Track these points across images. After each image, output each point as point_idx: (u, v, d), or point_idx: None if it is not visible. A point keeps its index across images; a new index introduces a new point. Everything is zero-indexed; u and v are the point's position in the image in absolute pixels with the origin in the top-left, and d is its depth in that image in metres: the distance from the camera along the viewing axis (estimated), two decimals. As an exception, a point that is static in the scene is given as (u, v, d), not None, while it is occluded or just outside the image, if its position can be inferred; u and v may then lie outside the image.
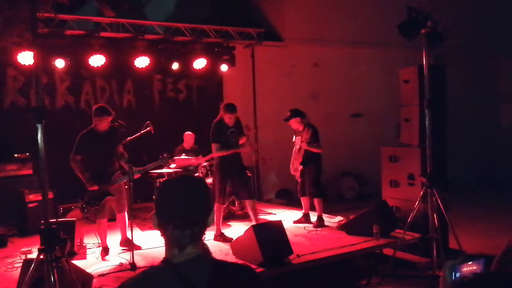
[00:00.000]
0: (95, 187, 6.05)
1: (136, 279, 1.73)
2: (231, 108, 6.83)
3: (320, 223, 7.49)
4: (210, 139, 6.81)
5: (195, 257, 1.72)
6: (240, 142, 6.91)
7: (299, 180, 7.60)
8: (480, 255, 1.99)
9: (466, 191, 10.77)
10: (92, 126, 6.22)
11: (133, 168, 5.92)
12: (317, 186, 7.51)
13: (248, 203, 7.04)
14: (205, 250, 5.32)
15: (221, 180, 6.78)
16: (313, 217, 7.69)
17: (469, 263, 1.71)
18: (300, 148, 7.43)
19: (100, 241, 6.35)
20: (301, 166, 7.44)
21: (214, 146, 6.78)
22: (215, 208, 6.88)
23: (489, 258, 1.78)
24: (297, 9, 11.74)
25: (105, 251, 6.19)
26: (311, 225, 7.47)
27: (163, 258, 1.74)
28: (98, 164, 6.15)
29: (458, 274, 1.69)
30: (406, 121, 7.08)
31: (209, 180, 8.30)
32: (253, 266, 5.31)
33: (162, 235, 1.76)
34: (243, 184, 6.95)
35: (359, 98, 12.54)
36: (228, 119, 6.80)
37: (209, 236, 6.68)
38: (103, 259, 6.03)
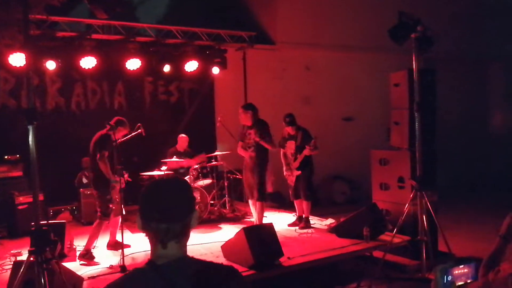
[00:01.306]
0: (123, 182, 6.14)
1: (120, 280, 1.75)
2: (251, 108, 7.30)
3: (307, 224, 7.56)
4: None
5: (179, 258, 1.75)
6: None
7: (292, 185, 7.63)
8: (470, 259, 2.02)
9: (455, 195, 10.83)
10: (108, 131, 6.26)
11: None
12: (311, 189, 7.60)
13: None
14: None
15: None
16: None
17: (460, 266, 1.74)
18: (296, 152, 7.45)
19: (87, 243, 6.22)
20: (299, 171, 7.47)
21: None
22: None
23: (479, 261, 1.81)
24: (289, 13, 11.79)
25: (87, 254, 6.14)
26: (302, 228, 7.50)
27: (147, 259, 1.77)
28: (112, 166, 6.28)
29: (449, 278, 1.72)
30: (396, 124, 7.13)
31: (201, 183, 8.32)
32: (244, 269, 5.33)
33: (146, 235, 1.79)
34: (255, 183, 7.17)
35: (351, 102, 12.61)
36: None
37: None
38: (88, 262, 6.00)
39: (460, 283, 1.70)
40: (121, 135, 6.43)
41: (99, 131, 6.36)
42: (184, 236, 1.78)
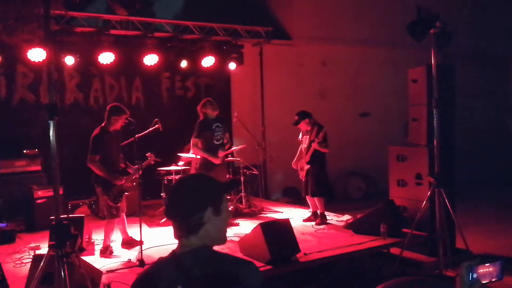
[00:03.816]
0: (123, 181, 6.12)
1: (148, 270, 1.90)
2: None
3: (323, 220, 7.54)
4: None
5: (197, 248, 1.86)
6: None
7: (303, 179, 7.63)
8: (497, 257, 2.00)
9: (473, 192, 10.73)
10: (104, 125, 6.20)
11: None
12: (320, 185, 7.52)
13: None
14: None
15: None
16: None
17: (486, 264, 1.72)
18: (309, 146, 7.44)
19: (104, 240, 6.26)
20: (308, 165, 7.47)
21: None
22: None
23: (505, 260, 1.80)
24: (306, 7, 11.74)
25: (107, 250, 6.19)
26: (318, 224, 7.49)
27: (172, 250, 1.91)
28: (111, 162, 6.16)
29: (475, 275, 1.71)
30: (414, 120, 7.07)
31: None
32: (261, 264, 5.34)
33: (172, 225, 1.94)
34: None
35: (367, 98, 12.53)
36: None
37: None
38: (109, 258, 6.04)
39: (485, 281, 1.69)
40: (120, 125, 6.21)
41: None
42: (198, 230, 1.87)
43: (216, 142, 7.30)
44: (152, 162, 6.47)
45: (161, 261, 1.88)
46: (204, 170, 7.11)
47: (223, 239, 1.98)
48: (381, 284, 1.93)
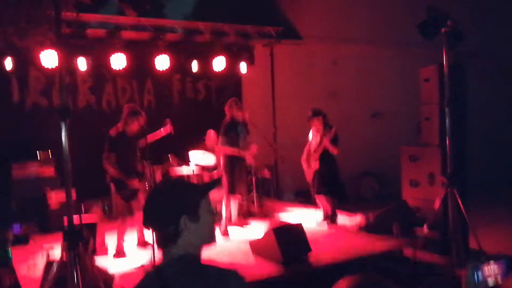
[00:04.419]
0: (135, 182, 6.16)
1: (138, 282, 1.84)
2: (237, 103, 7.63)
3: (333, 220, 7.50)
4: None
5: (179, 256, 1.79)
6: None
7: (310, 181, 7.60)
8: (500, 255, 1.97)
9: (487, 192, 10.61)
10: (120, 125, 6.27)
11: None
12: (325, 184, 7.46)
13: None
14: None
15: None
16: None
17: (491, 262, 1.71)
18: (320, 144, 7.41)
19: (117, 241, 6.31)
20: (317, 165, 7.43)
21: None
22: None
23: (510, 258, 1.78)
24: (316, 6, 11.71)
25: (120, 253, 6.22)
26: (330, 224, 7.47)
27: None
28: (125, 163, 6.21)
29: (480, 275, 1.70)
30: (426, 119, 7.03)
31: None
32: (273, 264, 5.35)
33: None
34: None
35: (379, 97, 12.46)
36: (239, 116, 7.62)
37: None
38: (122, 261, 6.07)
39: (491, 280, 1.68)
40: (136, 127, 6.29)
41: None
42: (176, 240, 1.80)
43: (241, 144, 7.35)
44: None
45: (148, 273, 1.83)
46: (230, 167, 7.32)
47: (209, 240, 1.90)
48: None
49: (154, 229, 1.84)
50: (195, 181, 8.20)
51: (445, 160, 6.23)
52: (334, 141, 7.29)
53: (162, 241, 1.82)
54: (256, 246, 5.96)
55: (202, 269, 1.80)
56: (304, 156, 7.75)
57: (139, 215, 6.40)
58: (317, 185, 7.47)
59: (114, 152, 6.09)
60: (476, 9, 12.52)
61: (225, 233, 7.10)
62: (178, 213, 1.81)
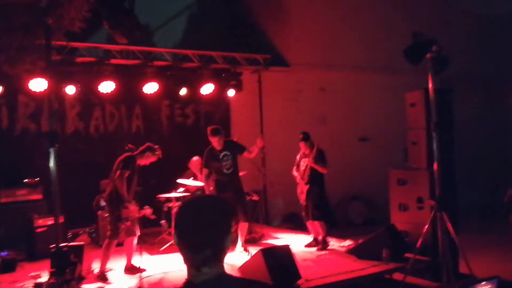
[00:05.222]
0: (135, 206, 6.20)
1: None
2: (211, 132, 7.21)
3: (324, 246, 7.49)
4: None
5: (215, 276, 1.74)
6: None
7: (303, 204, 7.61)
8: (493, 277, 1.97)
9: (477, 214, 10.66)
10: (136, 154, 6.45)
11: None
12: (320, 209, 7.50)
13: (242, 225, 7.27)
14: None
15: None
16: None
17: (483, 283, 1.71)
18: (306, 168, 7.46)
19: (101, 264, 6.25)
20: (307, 186, 7.46)
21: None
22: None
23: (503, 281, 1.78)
24: (303, 35, 11.88)
25: (102, 275, 6.16)
26: (320, 249, 7.44)
27: (185, 279, 1.78)
28: (130, 188, 6.31)
29: None
30: (413, 144, 7.10)
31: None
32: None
33: (181, 254, 1.79)
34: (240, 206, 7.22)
35: (367, 122, 12.58)
36: (214, 143, 7.17)
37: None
38: (103, 283, 6.01)
39: None
40: (148, 162, 6.54)
41: (118, 154, 6.46)
42: (218, 259, 1.76)
43: (226, 171, 7.30)
44: (147, 215, 6.58)
45: None
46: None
47: None
48: None
49: (193, 249, 1.73)
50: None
51: (433, 184, 6.27)
52: (320, 160, 7.33)
53: (200, 262, 1.72)
54: (245, 271, 5.91)
55: (241, 284, 1.80)
56: (294, 169, 7.80)
57: (128, 241, 6.36)
58: (312, 209, 7.47)
59: (129, 169, 6.22)
60: (460, 34, 12.77)
61: None
62: (223, 232, 1.77)
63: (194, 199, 1.92)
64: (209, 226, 1.74)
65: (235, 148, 7.41)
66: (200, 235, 1.73)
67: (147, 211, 6.73)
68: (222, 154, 7.26)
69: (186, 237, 1.74)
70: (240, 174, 8.31)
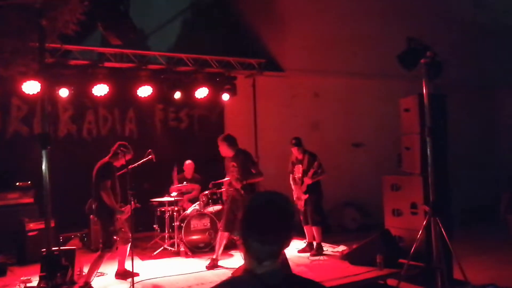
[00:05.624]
0: (126, 208, 6.10)
1: (222, 283, 1.87)
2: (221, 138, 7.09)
3: (318, 251, 7.47)
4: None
5: (273, 270, 1.81)
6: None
7: (301, 209, 7.59)
8: (490, 284, 1.95)
9: (469, 222, 10.68)
10: (109, 157, 6.25)
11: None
12: (320, 214, 7.54)
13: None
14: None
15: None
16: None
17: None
18: (303, 175, 7.47)
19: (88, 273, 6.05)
20: (306, 195, 7.46)
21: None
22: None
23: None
24: (298, 40, 11.89)
25: (87, 286, 5.99)
26: (314, 255, 7.42)
27: (244, 268, 1.85)
28: (115, 195, 6.16)
29: None
30: (407, 149, 7.10)
31: (211, 209, 8.28)
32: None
33: (242, 244, 1.85)
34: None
35: (360, 128, 12.59)
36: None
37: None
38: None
39: None
40: (124, 161, 6.29)
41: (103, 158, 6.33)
42: (279, 254, 1.84)
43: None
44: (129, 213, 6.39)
45: (239, 279, 1.84)
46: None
47: None
48: None
49: (262, 243, 1.79)
50: (177, 209, 8.17)
51: (427, 189, 6.26)
52: (316, 173, 7.36)
53: (265, 255, 1.79)
54: (239, 274, 5.86)
55: (294, 279, 1.88)
56: (291, 177, 7.81)
57: (121, 249, 6.27)
58: (311, 214, 7.47)
59: (110, 179, 6.07)
60: (454, 41, 12.83)
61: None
62: (290, 231, 1.84)
63: (268, 194, 1.93)
64: (281, 222, 1.82)
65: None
66: (272, 230, 1.80)
67: (133, 204, 6.52)
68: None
69: (257, 230, 1.80)
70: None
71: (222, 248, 6.98)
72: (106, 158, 6.26)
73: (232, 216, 6.79)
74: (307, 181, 7.38)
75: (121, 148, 6.27)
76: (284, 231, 1.82)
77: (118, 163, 6.29)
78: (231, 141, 7.01)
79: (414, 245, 5.94)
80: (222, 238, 6.95)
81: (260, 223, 1.81)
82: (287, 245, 1.85)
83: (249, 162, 6.96)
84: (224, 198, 7.86)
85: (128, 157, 6.28)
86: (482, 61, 13.74)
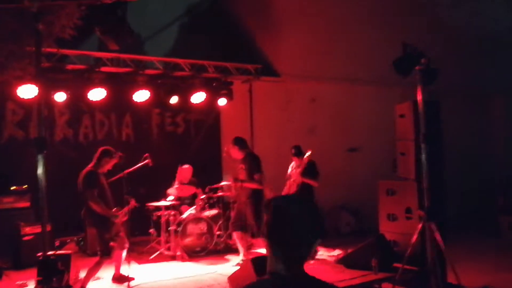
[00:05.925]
0: (121, 212, 6.12)
1: (250, 285, 1.88)
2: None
3: (313, 255, 7.50)
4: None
5: (300, 273, 1.84)
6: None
7: None
8: (484, 287, 1.98)
9: (465, 224, 10.71)
10: (93, 165, 6.19)
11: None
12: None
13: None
14: None
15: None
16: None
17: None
18: (295, 180, 7.50)
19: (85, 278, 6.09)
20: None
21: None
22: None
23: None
24: (294, 46, 11.94)
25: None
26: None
27: (268, 270, 1.86)
28: (106, 202, 6.12)
29: None
30: (402, 155, 7.13)
31: (207, 213, 8.30)
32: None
33: (266, 247, 1.87)
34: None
35: (356, 133, 12.63)
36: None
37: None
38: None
39: None
40: (110, 166, 6.28)
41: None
42: (306, 258, 1.86)
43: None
44: (126, 217, 6.39)
45: (265, 281, 1.84)
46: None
47: None
48: None
49: (291, 247, 1.81)
50: (174, 212, 8.18)
51: (422, 194, 6.30)
52: (309, 173, 7.37)
53: (293, 260, 1.82)
54: (234, 280, 5.88)
55: (318, 281, 1.88)
56: (285, 190, 7.80)
57: (117, 253, 6.27)
58: None
59: (96, 187, 5.99)
60: (449, 48, 12.90)
61: None
62: (317, 235, 1.85)
63: (294, 198, 2.04)
64: (310, 227, 1.84)
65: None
66: (301, 234, 1.81)
67: (132, 203, 6.50)
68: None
69: (286, 234, 1.81)
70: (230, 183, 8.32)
71: (243, 247, 7.24)
72: (89, 167, 6.17)
73: (240, 215, 7.12)
74: (297, 176, 7.42)
75: (104, 156, 6.21)
76: (311, 237, 1.83)
77: (103, 169, 6.23)
78: (241, 143, 7.28)
79: (409, 250, 5.97)
80: (237, 238, 7.27)
81: (289, 228, 1.82)
82: (314, 250, 1.87)
83: (254, 167, 7.05)
84: (232, 196, 8.00)
85: (113, 162, 6.23)
86: (476, 67, 13.81)
